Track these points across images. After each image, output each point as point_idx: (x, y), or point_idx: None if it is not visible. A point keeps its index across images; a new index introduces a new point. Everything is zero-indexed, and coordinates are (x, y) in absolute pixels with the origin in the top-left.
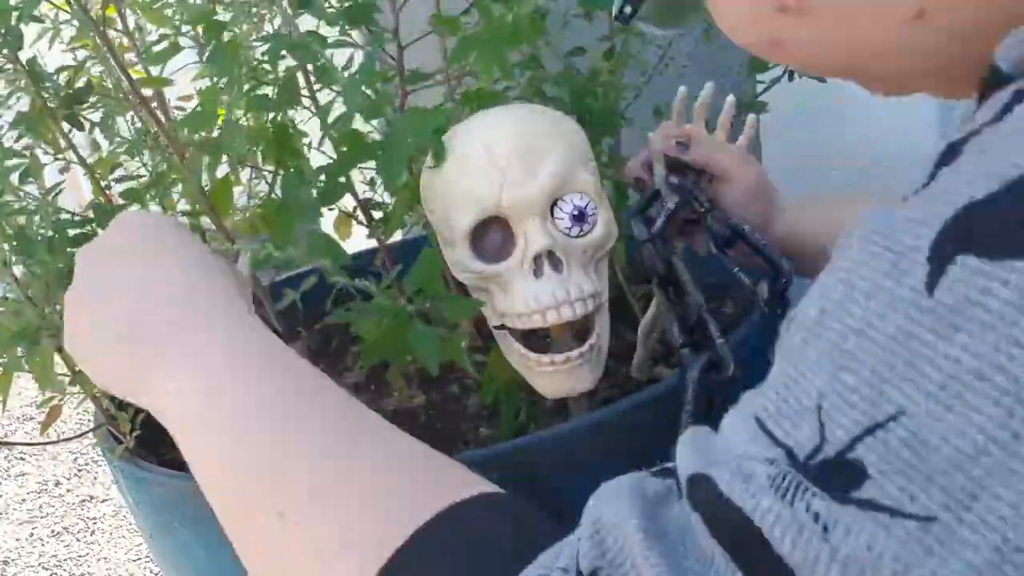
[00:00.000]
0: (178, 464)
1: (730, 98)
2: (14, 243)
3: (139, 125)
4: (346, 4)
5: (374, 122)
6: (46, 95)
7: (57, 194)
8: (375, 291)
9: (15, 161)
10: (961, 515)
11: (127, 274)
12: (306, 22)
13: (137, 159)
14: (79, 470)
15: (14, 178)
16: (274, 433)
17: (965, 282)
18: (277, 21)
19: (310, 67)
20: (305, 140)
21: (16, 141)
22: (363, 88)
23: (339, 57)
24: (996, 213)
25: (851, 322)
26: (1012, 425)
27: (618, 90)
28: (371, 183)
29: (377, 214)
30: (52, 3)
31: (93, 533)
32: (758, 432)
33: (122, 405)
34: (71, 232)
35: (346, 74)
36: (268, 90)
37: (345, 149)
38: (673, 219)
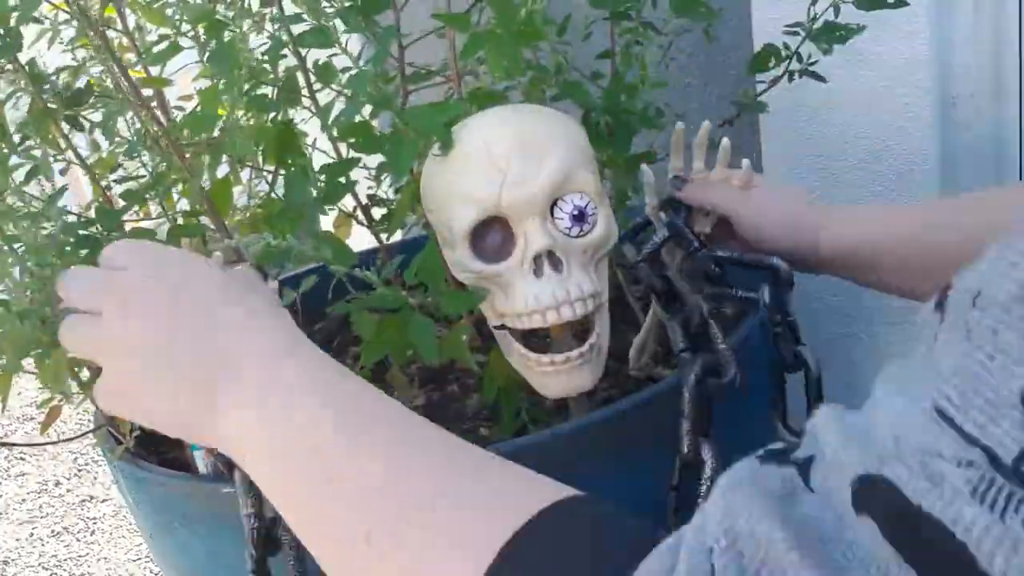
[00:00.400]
0: (178, 464)
1: (725, 141)
2: (15, 245)
3: (139, 126)
4: (347, 4)
5: (375, 121)
6: (46, 96)
7: (61, 196)
8: (376, 281)
9: (16, 160)
10: None
11: (167, 322)
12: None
13: (137, 159)
14: (79, 470)
15: (18, 177)
16: (351, 456)
17: None
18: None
19: (310, 67)
20: (306, 140)
21: (20, 143)
22: (369, 82)
23: (341, 58)
24: None
25: None
26: None
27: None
28: (377, 178)
29: (378, 213)
30: (51, 4)
31: (93, 533)
32: (940, 424)
33: None
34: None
35: (352, 72)
36: (268, 90)
37: (354, 141)
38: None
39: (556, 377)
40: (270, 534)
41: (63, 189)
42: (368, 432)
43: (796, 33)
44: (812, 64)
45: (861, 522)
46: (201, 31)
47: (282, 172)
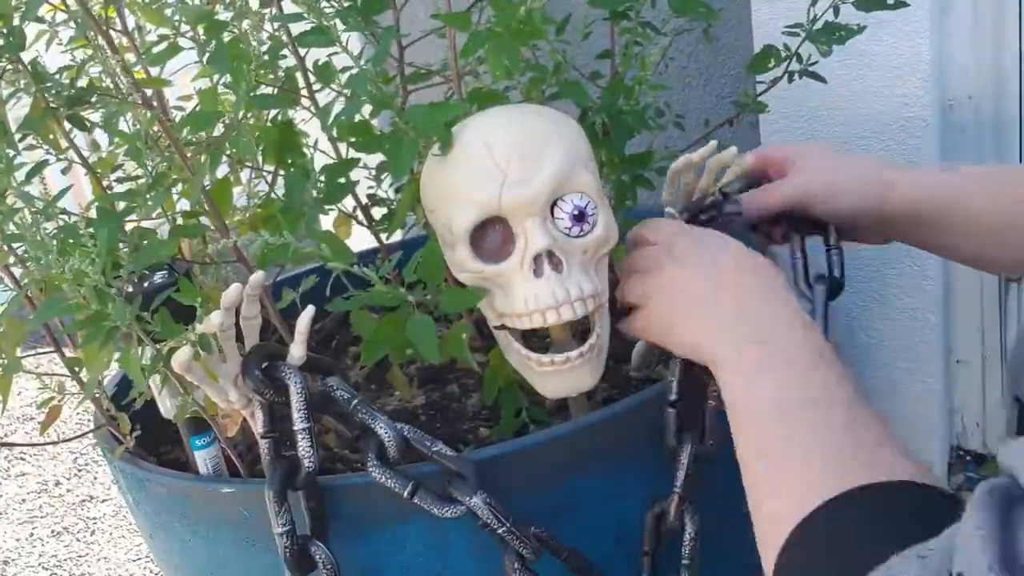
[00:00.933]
0: (178, 464)
1: (732, 149)
2: (15, 244)
3: (139, 126)
4: (346, 4)
5: (375, 121)
6: (48, 96)
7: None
8: (375, 278)
9: (18, 160)
10: None
11: (708, 280)
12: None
13: (137, 159)
14: (79, 470)
15: (19, 177)
16: (788, 431)
17: None
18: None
19: (310, 67)
20: (306, 140)
21: (21, 141)
22: (370, 81)
23: (340, 58)
24: None
25: None
26: None
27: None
28: (377, 178)
29: (378, 213)
30: (51, 4)
31: (93, 533)
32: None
33: (122, 406)
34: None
35: (353, 71)
36: (268, 91)
37: (354, 140)
38: None
39: (556, 377)
40: (304, 552)
41: (66, 189)
42: (813, 422)
43: (796, 34)
44: (812, 64)
45: None
46: (201, 31)
47: (282, 172)
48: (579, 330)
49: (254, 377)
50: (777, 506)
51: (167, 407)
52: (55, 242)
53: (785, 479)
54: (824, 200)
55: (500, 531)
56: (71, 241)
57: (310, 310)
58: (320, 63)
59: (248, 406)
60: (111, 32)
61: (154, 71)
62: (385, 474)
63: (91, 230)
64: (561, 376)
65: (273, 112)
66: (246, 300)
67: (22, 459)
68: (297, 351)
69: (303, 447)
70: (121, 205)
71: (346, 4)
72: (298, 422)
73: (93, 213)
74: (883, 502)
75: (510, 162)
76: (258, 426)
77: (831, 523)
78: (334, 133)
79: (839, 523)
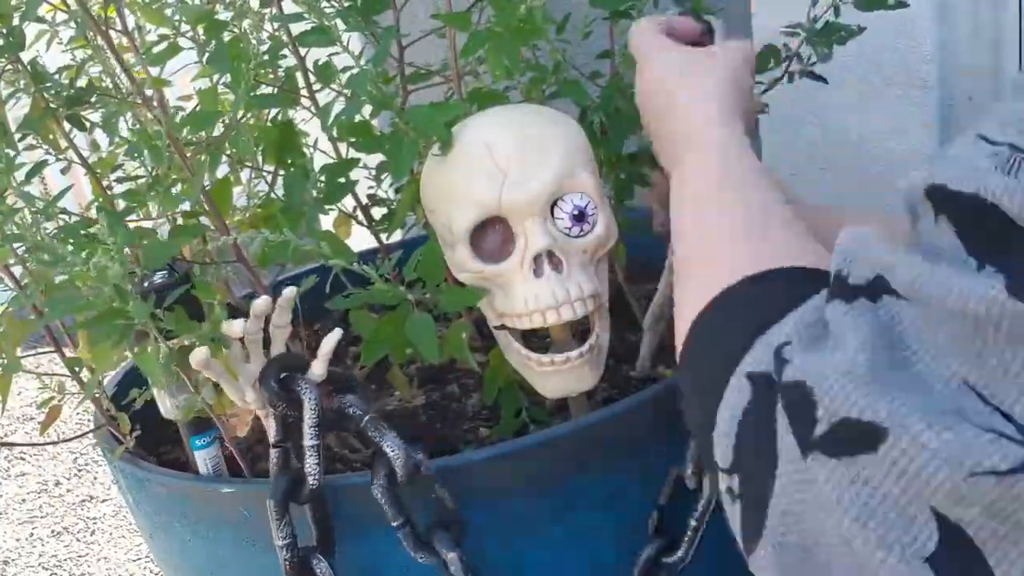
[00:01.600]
0: (178, 464)
1: None
2: (15, 244)
3: (139, 126)
4: (346, 4)
5: (375, 121)
6: (48, 96)
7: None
8: (375, 276)
9: (18, 159)
10: None
11: (676, 95)
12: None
13: (137, 159)
14: (79, 470)
15: (19, 177)
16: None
17: None
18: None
19: (310, 67)
20: (306, 140)
21: (21, 141)
22: (370, 82)
23: (340, 58)
24: None
25: None
26: None
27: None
28: (377, 177)
29: (378, 213)
30: (51, 4)
31: (93, 533)
32: (978, 141)
33: (122, 406)
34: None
35: (353, 71)
36: (268, 90)
37: (354, 140)
38: None
39: (556, 377)
40: (305, 564)
41: (66, 189)
42: (724, 206)
43: (796, 34)
44: (812, 64)
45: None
46: (200, 31)
47: (282, 172)
48: (579, 330)
49: (270, 388)
50: (691, 288)
51: (167, 407)
52: (71, 241)
53: (699, 264)
54: None
55: None
56: (88, 240)
57: (336, 333)
58: (320, 63)
59: (264, 407)
60: (111, 32)
61: (154, 71)
62: (385, 498)
63: (107, 229)
64: (561, 376)
65: (273, 112)
66: (277, 310)
67: (22, 459)
68: (318, 369)
69: (310, 464)
70: (121, 205)
71: (346, 4)
72: (308, 438)
73: (93, 213)
74: (794, 282)
75: (510, 162)
76: (271, 435)
77: (741, 300)
78: (334, 133)
79: (738, 305)
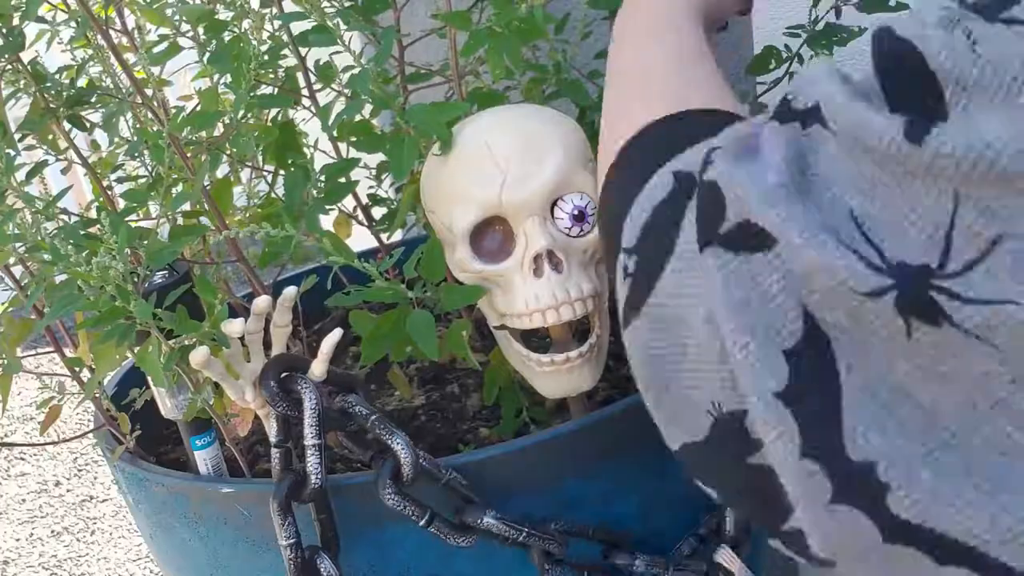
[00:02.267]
0: (178, 464)
1: None
2: (16, 244)
3: (139, 126)
4: (347, 4)
5: (375, 120)
6: (48, 96)
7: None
8: (375, 273)
9: (18, 160)
10: None
11: None
12: (304, 22)
13: (138, 159)
14: (79, 470)
15: (19, 177)
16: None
17: None
18: (278, 22)
19: (310, 67)
20: (306, 140)
21: (21, 141)
22: (371, 81)
23: (340, 58)
24: None
25: None
26: None
27: None
28: (377, 177)
29: (379, 213)
30: (51, 3)
31: (93, 533)
32: None
33: (122, 406)
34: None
35: (354, 71)
36: (268, 90)
37: (355, 140)
38: None
39: (556, 377)
40: (310, 564)
41: (66, 190)
42: (669, 52)
43: (797, 35)
44: None
45: (872, 66)
46: (201, 31)
47: (282, 172)
48: (579, 330)
49: (269, 388)
50: (618, 127)
51: (167, 407)
52: (72, 241)
53: (628, 102)
54: None
55: (521, 539)
56: (89, 240)
57: (337, 333)
58: (321, 63)
59: (264, 407)
60: (111, 32)
61: (154, 71)
62: (401, 501)
63: (109, 228)
64: (561, 376)
65: (274, 112)
66: (278, 310)
67: (22, 459)
68: (318, 369)
69: (312, 463)
70: (121, 205)
71: (347, 4)
72: (309, 437)
73: (93, 213)
74: (726, 121)
75: (510, 162)
76: (272, 435)
77: (676, 126)
78: (334, 133)
79: (675, 127)
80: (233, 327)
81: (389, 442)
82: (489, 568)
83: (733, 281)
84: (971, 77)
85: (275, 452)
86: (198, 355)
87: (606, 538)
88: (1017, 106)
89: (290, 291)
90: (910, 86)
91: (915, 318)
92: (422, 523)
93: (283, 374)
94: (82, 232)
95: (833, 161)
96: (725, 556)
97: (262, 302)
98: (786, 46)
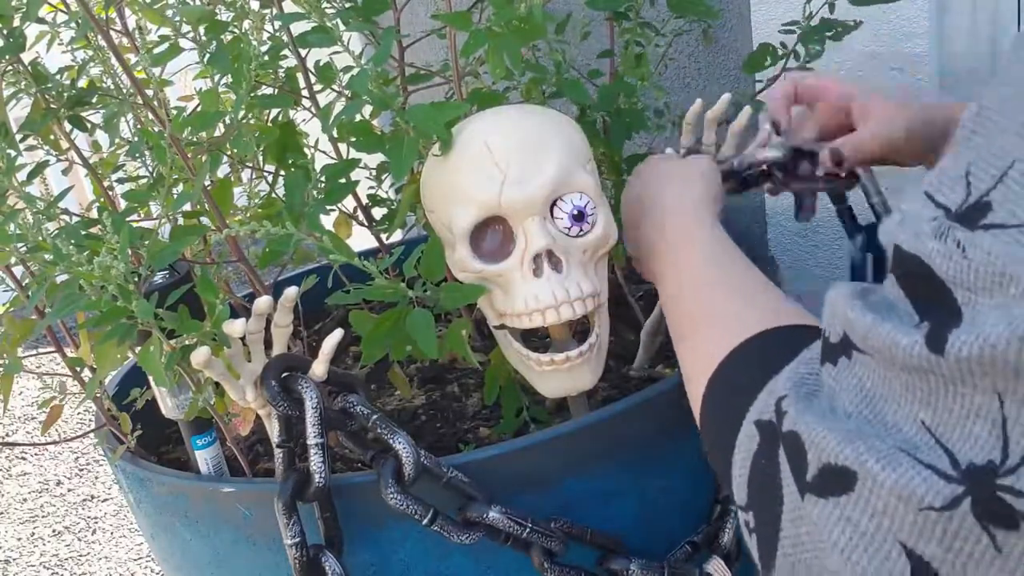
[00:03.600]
0: (179, 464)
1: (725, 97)
2: (18, 244)
3: (140, 126)
4: (347, 4)
5: (375, 121)
6: (49, 96)
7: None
8: (375, 271)
9: (20, 160)
10: None
11: (660, 200)
12: (304, 23)
13: (139, 159)
14: (80, 470)
15: (20, 178)
16: (706, 295)
17: None
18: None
19: (310, 67)
20: (306, 140)
21: (22, 142)
22: (370, 81)
23: (340, 59)
24: None
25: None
26: None
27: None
28: (377, 177)
29: (379, 213)
30: (51, 5)
31: (94, 532)
32: (926, 200)
33: (123, 406)
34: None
35: (354, 71)
36: (269, 90)
37: (355, 140)
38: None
39: (556, 377)
40: (314, 562)
41: (67, 190)
42: (717, 285)
43: (793, 32)
44: (809, 62)
45: (891, 279)
46: (201, 31)
47: (283, 172)
48: (579, 330)
49: (271, 388)
50: (698, 352)
51: (168, 407)
52: (73, 242)
53: (702, 330)
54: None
55: (524, 535)
56: (90, 240)
57: (338, 333)
58: (321, 63)
59: (265, 407)
60: (112, 32)
61: (155, 71)
62: (404, 501)
63: (111, 228)
64: (561, 376)
65: (274, 112)
66: (279, 310)
67: (23, 459)
68: (319, 369)
69: (315, 462)
70: (122, 205)
71: (347, 4)
72: (311, 437)
73: (94, 213)
74: (784, 340)
75: (510, 162)
76: (273, 435)
77: (743, 359)
78: (335, 133)
79: (742, 364)
80: (234, 327)
81: (391, 441)
82: (489, 568)
83: (835, 529)
84: (970, 281)
85: (278, 452)
86: (199, 355)
87: (603, 543)
88: (1009, 296)
89: (291, 291)
90: (929, 293)
91: (993, 525)
92: (425, 522)
93: (284, 374)
94: (83, 232)
95: (885, 382)
96: (717, 567)
97: (263, 302)
98: (782, 43)
